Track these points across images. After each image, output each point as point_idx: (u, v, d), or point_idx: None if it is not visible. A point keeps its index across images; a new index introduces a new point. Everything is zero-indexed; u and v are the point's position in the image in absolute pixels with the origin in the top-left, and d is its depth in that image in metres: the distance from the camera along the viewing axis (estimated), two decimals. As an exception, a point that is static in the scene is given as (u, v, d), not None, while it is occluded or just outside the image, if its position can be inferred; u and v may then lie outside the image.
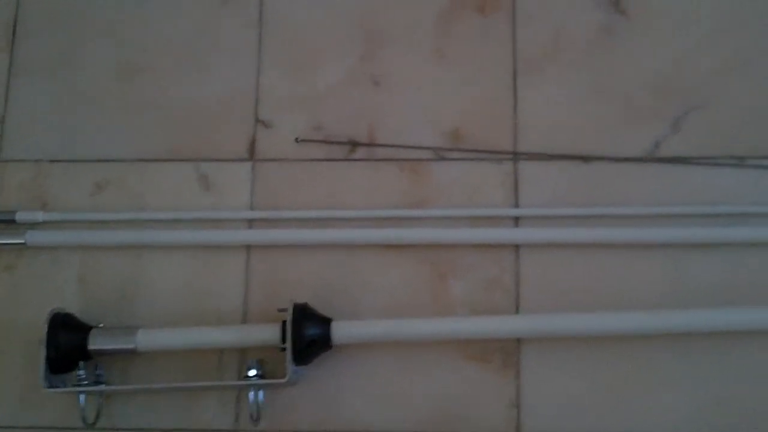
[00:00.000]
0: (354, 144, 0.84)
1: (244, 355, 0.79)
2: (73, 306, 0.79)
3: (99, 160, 0.86)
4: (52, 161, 0.85)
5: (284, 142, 0.85)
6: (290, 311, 0.75)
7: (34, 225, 0.82)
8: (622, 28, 0.85)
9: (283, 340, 0.74)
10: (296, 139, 0.84)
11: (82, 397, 0.75)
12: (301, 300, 0.77)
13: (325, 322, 0.76)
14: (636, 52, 0.84)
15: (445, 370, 0.79)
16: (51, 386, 0.74)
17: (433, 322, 0.77)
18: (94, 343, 0.75)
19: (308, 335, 0.75)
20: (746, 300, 0.77)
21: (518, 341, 0.79)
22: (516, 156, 0.83)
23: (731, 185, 0.81)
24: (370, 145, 0.84)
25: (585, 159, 0.82)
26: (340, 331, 0.76)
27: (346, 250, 0.82)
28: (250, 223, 0.83)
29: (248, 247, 0.83)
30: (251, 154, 0.85)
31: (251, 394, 0.75)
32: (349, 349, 0.79)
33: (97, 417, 0.77)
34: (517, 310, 0.80)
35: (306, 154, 0.85)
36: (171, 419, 0.80)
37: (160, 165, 0.85)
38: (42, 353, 0.73)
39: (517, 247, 0.81)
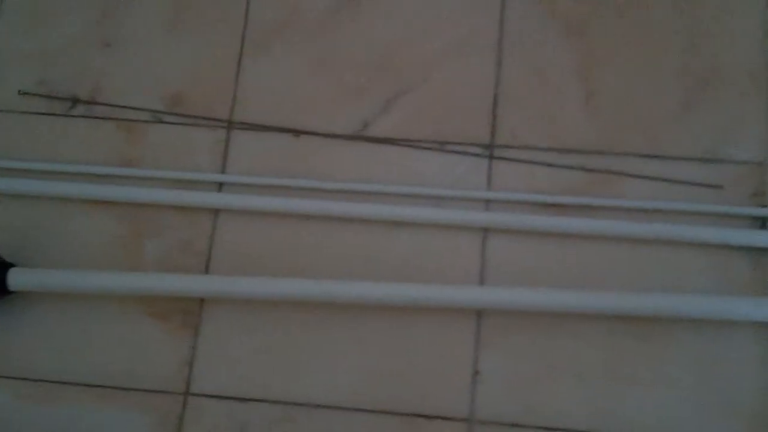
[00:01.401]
0: (75, 101, 0.86)
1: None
2: None
3: None
4: None
5: (8, 94, 0.86)
6: (-36, 252, 0.76)
7: None
8: (350, 10, 0.88)
9: (-44, 279, 0.75)
10: (19, 92, 0.86)
11: None
12: (-7, 245, 0.78)
13: (3, 267, 0.77)
14: (358, 34, 0.87)
15: (126, 325, 0.80)
16: None
17: (110, 275, 0.78)
18: None
19: (-21, 277, 0.76)
20: (429, 278, 0.79)
21: (201, 303, 0.80)
22: (230, 125, 0.85)
23: (432, 167, 0.83)
24: (90, 102, 0.86)
25: (296, 133, 0.85)
26: (16, 277, 0.77)
27: (52, 202, 0.83)
28: (-40, 168, 0.84)
29: (-48, 192, 0.84)
30: (-27, 103, 0.86)
31: None
32: (34, 297, 0.80)
33: None
34: (206, 273, 0.81)
35: (28, 107, 0.86)
36: None
37: None
38: None
39: (216, 212, 0.83)
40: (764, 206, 0.80)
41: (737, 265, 0.78)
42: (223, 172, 0.84)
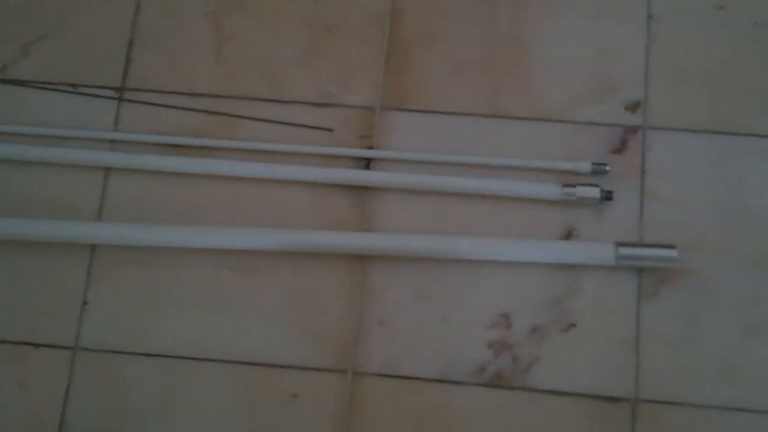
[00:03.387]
0: None
1: None
2: None
3: None
4: None
5: None
6: None
7: None
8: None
9: None
10: None
11: None
12: None
13: None
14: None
15: None
16: None
17: None
18: None
19: None
20: (49, 215, 0.86)
21: None
22: None
23: (63, 110, 0.89)
24: None
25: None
26: None
27: None
28: None
29: None
30: None
31: None
32: None
33: None
34: None
35: None
36: None
37: None
38: None
39: None
40: (370, 147, 0.88)
41: (340, 202, 0.87)
42: None
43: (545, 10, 0.90)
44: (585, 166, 0.84)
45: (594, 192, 0.82)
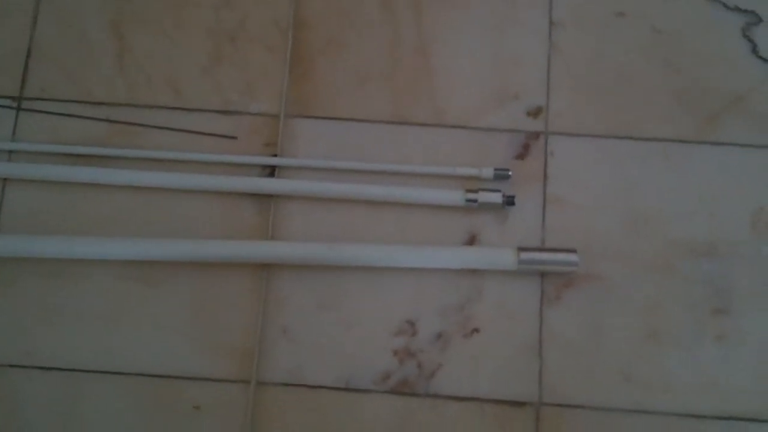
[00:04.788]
0: None
1: None
2: None
3: None
4: None
5: None
6: None
7: None
8: None
9: None
10: None
11: None
12: None
13: None
14: None
15: None
16: None
17: None
18: None
19: None
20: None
21: None
22: None
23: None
24: None
25: None
26: None
27: None
28: None
29: None
30: None
31: None
32: None
33: None
34: None
35: None
36: None
37: None
38: None
39: None
40: (274, 155, 0.89)
41: (246, 211, 0.87)
42: None
43: (448, 19, 0.92)
44: (488, 172, 0.86)
45: (496, 197, 0.84)
